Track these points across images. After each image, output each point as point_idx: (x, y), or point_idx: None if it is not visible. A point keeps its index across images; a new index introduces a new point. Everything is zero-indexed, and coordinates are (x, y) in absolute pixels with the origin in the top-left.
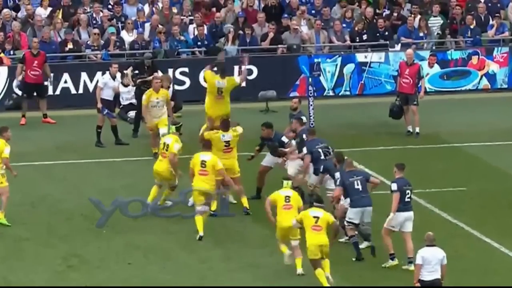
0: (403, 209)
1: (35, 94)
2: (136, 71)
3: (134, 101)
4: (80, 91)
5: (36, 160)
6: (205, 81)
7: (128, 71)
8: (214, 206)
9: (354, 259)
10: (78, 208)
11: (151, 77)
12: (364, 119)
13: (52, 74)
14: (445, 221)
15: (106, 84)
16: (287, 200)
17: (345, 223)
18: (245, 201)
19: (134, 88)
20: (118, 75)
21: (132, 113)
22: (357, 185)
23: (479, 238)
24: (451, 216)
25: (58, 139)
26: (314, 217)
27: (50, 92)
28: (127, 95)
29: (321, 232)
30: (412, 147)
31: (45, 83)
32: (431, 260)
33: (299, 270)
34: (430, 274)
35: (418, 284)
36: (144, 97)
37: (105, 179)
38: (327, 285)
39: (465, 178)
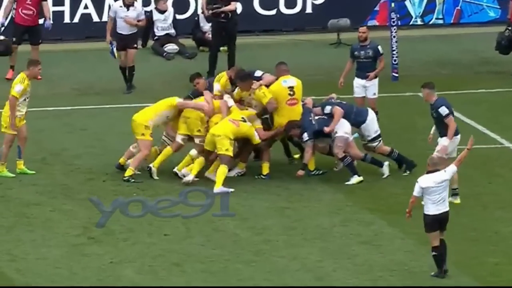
0: (456, 132)
1: (26, 39)
2: None
3: (172, 31)
4: (104, 18)
5: (49, 105)
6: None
7: None
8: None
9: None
10: (101, 166)
11: (227, 8)
12: (461, 55)
13: (50, 21)
14: None
15: (116, 13)
16: (291, 93)
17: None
18: (311, 164)
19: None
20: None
21: (170, 46)
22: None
23: None
24: None
25: (77, 79)
26: (289, 87)
27: (67, 20)
28: (163, 23)
29: (296, 107)
30: None
31: (45, 25)
32: (434, 190)
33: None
34: (436, 206)
35: (408, 216)
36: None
37: None
38: None
39: None
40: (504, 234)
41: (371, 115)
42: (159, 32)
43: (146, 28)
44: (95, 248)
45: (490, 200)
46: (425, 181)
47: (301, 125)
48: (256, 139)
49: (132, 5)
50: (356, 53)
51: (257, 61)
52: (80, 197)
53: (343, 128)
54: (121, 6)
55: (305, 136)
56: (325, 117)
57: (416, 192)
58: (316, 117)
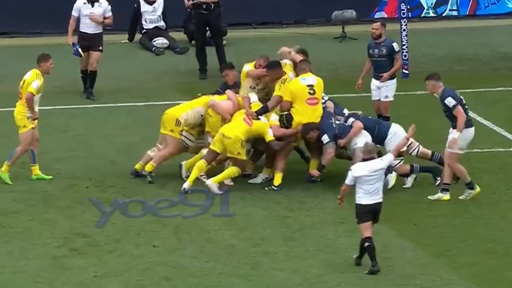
0: (469, 124)
1: None
2: None
3: (161, 24)
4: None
5: None
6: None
7: None
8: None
9: None
10: (85, 171)
11: None
12: (477, 50)
13: None
14: None
15: (80, 11)
16: (311, 91)
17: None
18: (313, 165)
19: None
20: None
21: (159, 41)
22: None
23: None
24: None
25: (60, 75)
26: (308, 85)
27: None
28: (151, 15)
29: (317, 107)
30: None
31: None
32: (368, 179)
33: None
34: (369, 196)
35: (340, 203)
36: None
37: (121, 130)
38: None
39: None
40: None
41: (393, 129)
42: (147, 25)
43: (134, 20)
44: (78, 261)
45: (509, 208)
46: (359, 169)
47: (321, 127)
48: (269, 136)
49: (97, 0)
50: (370, 51)
51: (254, 56)
52: (62, 205)
53: (365, 139)
54: (85, 3)
55: (325, 138)
56: (346, 124)
57: (348, 180)
58: (337, 122)
